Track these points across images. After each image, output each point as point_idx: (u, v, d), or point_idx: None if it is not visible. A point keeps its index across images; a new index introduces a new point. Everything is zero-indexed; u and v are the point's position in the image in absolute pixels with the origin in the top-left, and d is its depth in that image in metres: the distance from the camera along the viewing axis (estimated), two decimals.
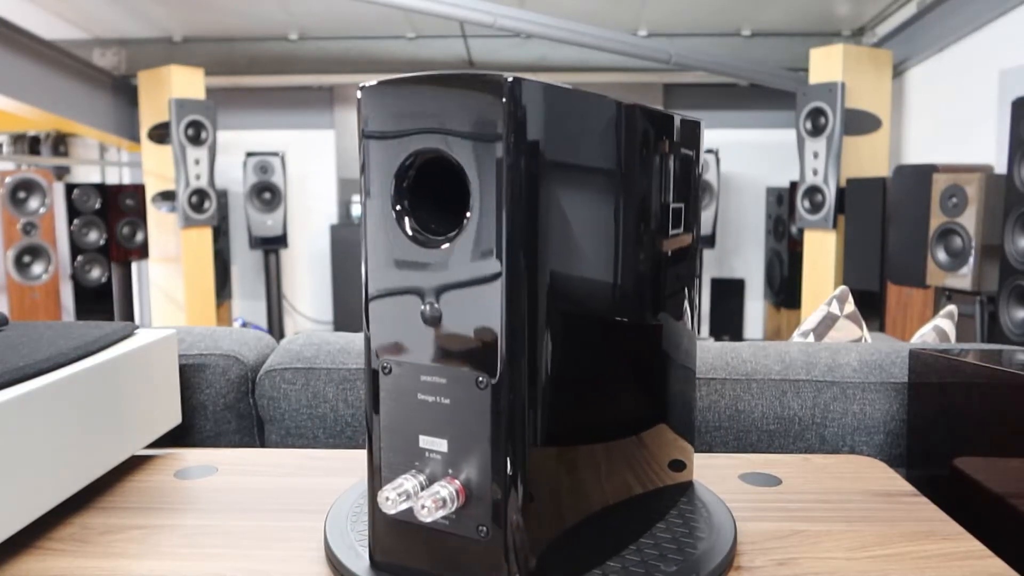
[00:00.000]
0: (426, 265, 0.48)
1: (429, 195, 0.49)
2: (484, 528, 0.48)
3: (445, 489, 0.47)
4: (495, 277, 0.46)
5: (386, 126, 0.49)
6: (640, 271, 0.56)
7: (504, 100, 0.44)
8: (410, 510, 0.49)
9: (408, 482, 0.49)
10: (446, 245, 0.47)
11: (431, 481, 0.49)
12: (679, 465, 0.65)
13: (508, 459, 0.47)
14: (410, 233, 0.49)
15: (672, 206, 0.60)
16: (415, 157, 0.48)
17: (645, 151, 0.56)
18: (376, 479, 0.52)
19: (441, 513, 0.47)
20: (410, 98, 0.48)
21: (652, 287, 0.58)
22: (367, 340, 0.51)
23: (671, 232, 0.60)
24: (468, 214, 0.46)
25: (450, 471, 0.49)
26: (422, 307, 0.48)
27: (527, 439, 0.47)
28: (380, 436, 0.51)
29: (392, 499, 0.47)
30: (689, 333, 0.65)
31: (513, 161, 0.45)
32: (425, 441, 0.49)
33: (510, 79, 0.44)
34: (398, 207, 0.49)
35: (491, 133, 0.45)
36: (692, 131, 0.62)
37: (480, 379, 0.47)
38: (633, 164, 0.54)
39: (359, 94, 0.50)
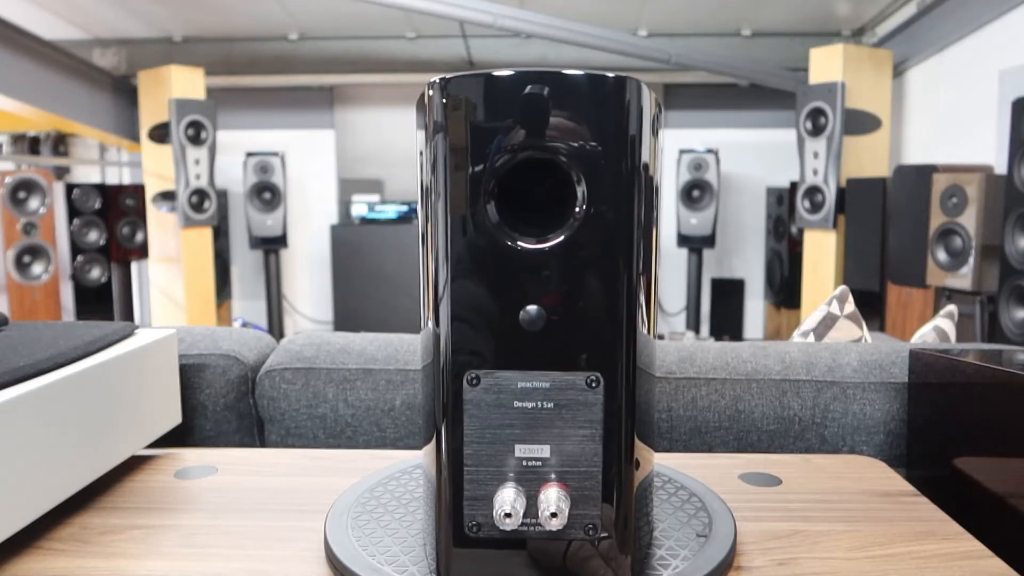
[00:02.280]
0: (527, 266, 0.46)
1: (513, 200, 0.47)
2: (593, 526, 0.48)
3: (555, 492, 0.47)
4: (613, 274, 0.46)
5: (481, 121, 0.46)
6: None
7: (624, 96, 0.45)
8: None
9: (511, 493, 0.47)
10: (550, 244, 0.46)
11: (530, 489, 0.48)
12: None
13: (622, 455, 0.47)
14: (510, 233, 0.46)
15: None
16: (515, 153, 0.46)
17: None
18: (456, 496, 0.49)
19: (565, 518, 0.46)
20: (509, 93, 0.46)
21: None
22: (440, 348, 0.48)
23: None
24: (573, 216, 0.46)
25: (552, 475, 0.48)
26: (521, 311, 0.46)
27: (631, 434, 0.48)
28: (463, 451, 0.48)
29: (513, 514, 0.46)
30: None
31: (632, 162, 0.46)
32: (523, 449, 0.48)
33: (612, 76, 0.45)
34: (493, 207, 0.46)
35: (611, 129, 0.45)
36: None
37: (591, 379, 0.46)
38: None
39: (430, 91, 0.47)
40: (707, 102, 4.88)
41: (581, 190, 0.46)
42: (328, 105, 5.11)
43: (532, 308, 0.46)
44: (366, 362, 0.95)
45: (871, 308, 3.21)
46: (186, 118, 4.01)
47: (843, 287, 1.27)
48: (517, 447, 0.48)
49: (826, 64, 3.60)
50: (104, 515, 0.64)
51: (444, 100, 0.46)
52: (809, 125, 3.61)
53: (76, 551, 0.58)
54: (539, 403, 0.47)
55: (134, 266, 4.56)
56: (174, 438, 0.95)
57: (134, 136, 4.42)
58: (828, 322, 1.23)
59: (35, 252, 3.71)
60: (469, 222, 0.46)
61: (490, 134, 0.46)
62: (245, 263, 5.18)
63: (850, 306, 1.24)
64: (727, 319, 4.89)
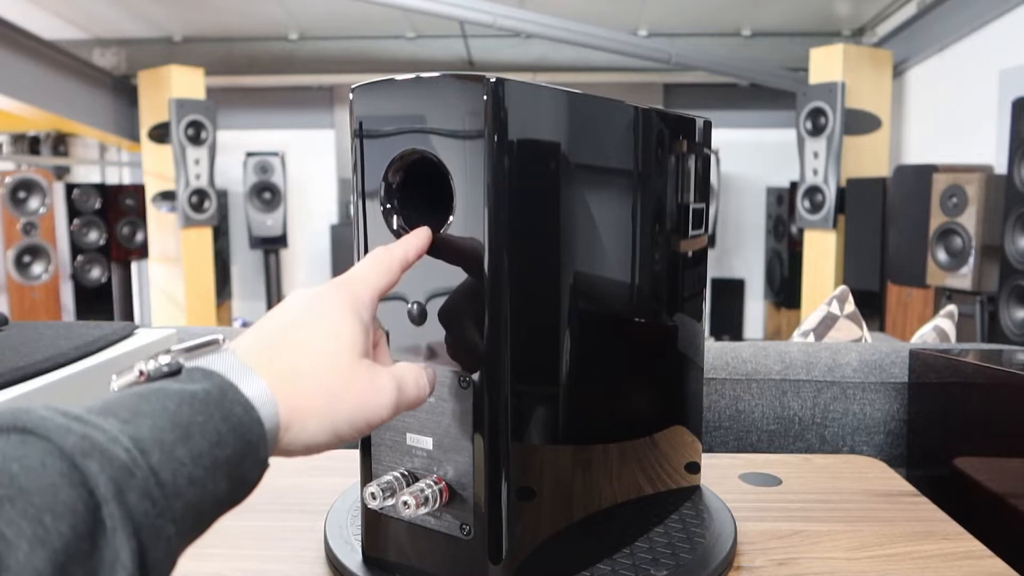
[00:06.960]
0: (417, 264, 0.48)
1: (420, 194, 0.49)
2: (467, 527, 0.48)
3: (428, 487, 0.47)
4: (478, 277, 0.46)
5: (374, 126, 0.49)
6: (621, 268, 0.56)
7: (486, 99, 0.44)
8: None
9: (394, 478, 0.49)
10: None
11: (417, 479, 0.49)
12: (694, 467, 0.65)
13: (489, 458, 0.47)
14: (396, 232, 0.49)
15: (691, 205, 0.60)
16: (402, 157, 0.48)
17: (644, 152, 0.56)
18: (366, 476, 0.52)
19: (423, 511, 0.47)
20: (397, 99, 0.48)
21: (639, 285, 0.58)
22: None
23: (678, 231, 0.60)
24: (452, 213, 0.46)
25: (435, 469, 0.49)
26: (408, 306, 0.49)
27: (509, 439, 0.47)
28: (371, 434, 0.52)
29: (377, 495, 0.47)
30: (681, 332, 0.64)
31: (496, 161, 0.44)
32: (412, 439, 0.50)
33: (492, 79, 0.44)
34: (386, 206, 0.49)
35: (474, 133, 0.45)
36: (688, 129, 0.62)
37: (463, 378, 0.47)
38: (624, 163, 0.54)
39: (351, 95, 0.50)
40: (707, 102, 4.88)
41: (458, 191, 0.46)
42: (328, 105, 5.11)
43: (418, 304, 0.48)
44: None
45: (871, 308, 3.21)
46: (186, 118, 4.01)
47: (843, 287, 1.27)
48: (408, 435, 0.50)
49: (826, 64, 3.59)
50: None
51: (351, 106, 0.50)
52: (809, 125, 3.60)
53: None
54: None
55: (134, 266, 4.56)
56: None
57: (134, 136, 4.42)
58: (828, 322, 1.23)
59: (35, 252, 3.71)
60: (368, 220, 0.50)
61: (381, 137, 0.49)
62: (245, 263, 5.18)
63: (850, 306, 1.24)
64: (727, 319, 4.89)
